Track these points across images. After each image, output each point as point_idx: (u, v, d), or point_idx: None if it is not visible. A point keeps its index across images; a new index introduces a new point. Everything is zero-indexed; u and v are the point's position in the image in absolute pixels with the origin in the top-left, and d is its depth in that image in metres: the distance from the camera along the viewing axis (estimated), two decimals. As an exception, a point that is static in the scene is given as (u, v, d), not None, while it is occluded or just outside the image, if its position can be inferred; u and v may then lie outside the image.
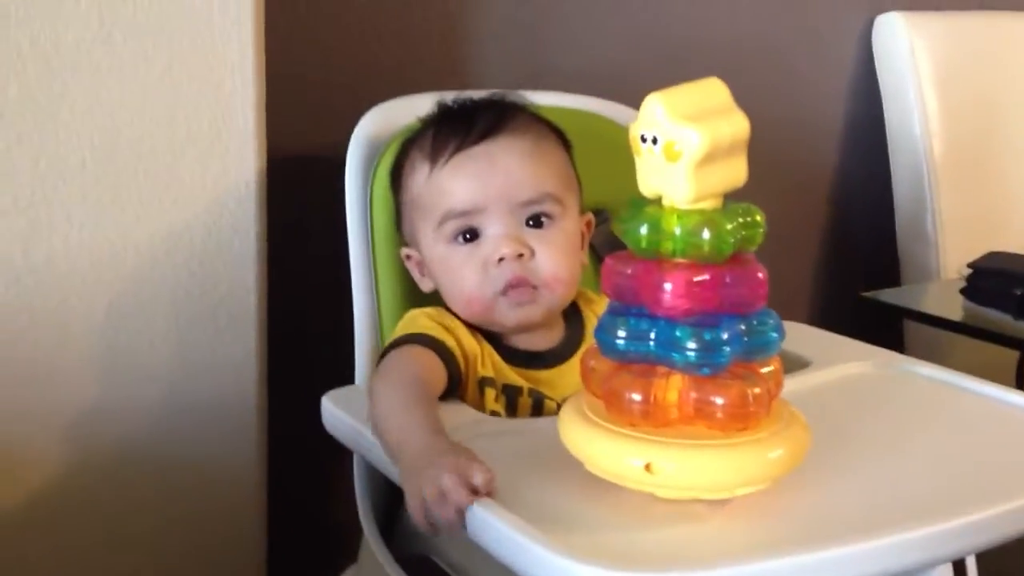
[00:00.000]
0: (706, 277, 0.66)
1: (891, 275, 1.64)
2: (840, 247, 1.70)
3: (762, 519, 0.70)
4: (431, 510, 0.71)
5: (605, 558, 0.63)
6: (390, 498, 1.03)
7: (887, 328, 1.55)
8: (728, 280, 0.67)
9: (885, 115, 1.64)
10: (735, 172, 0.68)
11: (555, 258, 0.94)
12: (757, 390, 0.67)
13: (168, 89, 1.01)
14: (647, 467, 0.67)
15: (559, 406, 0.93)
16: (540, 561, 0.65)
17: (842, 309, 1.63)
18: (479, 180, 0.94)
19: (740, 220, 0.68)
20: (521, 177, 0.94)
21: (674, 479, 0.67)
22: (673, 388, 0.68)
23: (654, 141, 0.67)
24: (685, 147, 0.65)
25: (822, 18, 1.62)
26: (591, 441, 0.70)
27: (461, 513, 0.70)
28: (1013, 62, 1.69)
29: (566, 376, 0.96)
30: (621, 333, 0.69)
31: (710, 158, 0.65)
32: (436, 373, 0.89)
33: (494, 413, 0.93)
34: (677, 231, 0.66)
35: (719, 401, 0.67)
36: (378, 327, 1.05)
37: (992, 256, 1.39)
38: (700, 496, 0.69)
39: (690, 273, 0.66)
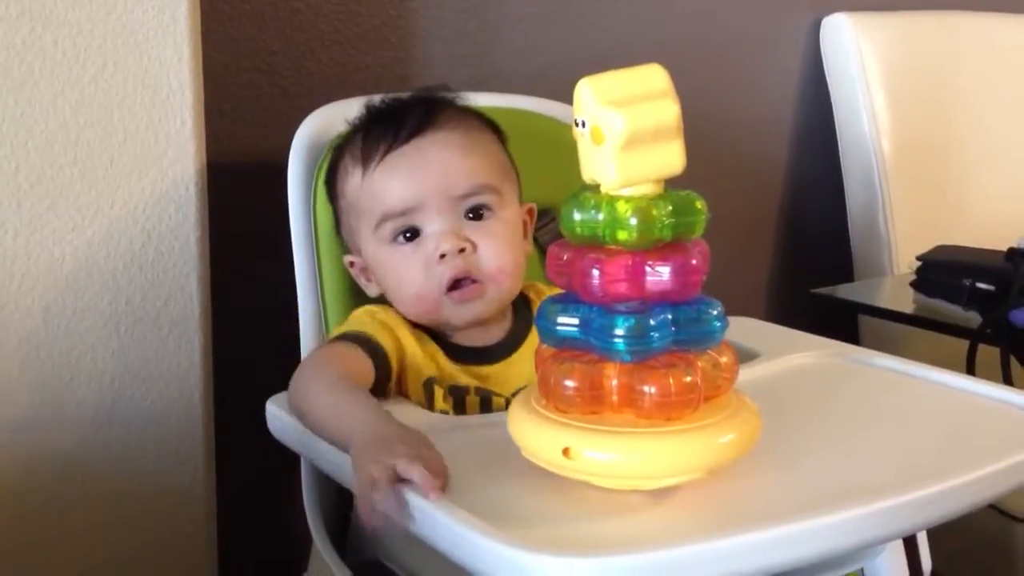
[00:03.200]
0: (629, 264, 0.65)
1: (845, 273, 1.65)
2: (794, 246, 1.70)
3: (707, 505, 0.69)
4: (378, 496, 0.69)
5: (528, 543, 0.63)
6: (340, 503, 1.02)
7: (842, 325, 1.56)
8: (652, 267, 0.66)
9: (834, 115, 1.65)
10: (668, 158, 0.67)
11: (498, 250, 0.94)
12: (688, 379, 0.66)
13: (102, 92, 1.00)
14: (565, 452, 0.67)
15: (507, 402, 0.93)
16: (468, 543, 0.65)
17: (798, 307, 1.63)
18: (413, 178, 0.93)
19: (671, 207, 0.66)
20: (456, 171, 0.93)
21: (593, 465, 0.67)
22: (605, 375, 0.67)
23: (583, 125, 0.67)
24: (607, 131, 0.65)
25: (769, 20, 1.63)
26: (520, 426, 0.70)
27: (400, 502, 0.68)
28: (960, 60, 1.71)
29: (513, 369, 0.96)
30: (556, 319, 0.68)
31: (634, 142, 0.64)
32: (359, 370, 0.87)
33: (443, 413, 0.92)
34: (600, 216, 0.66)
35: (644, 389, 0.66)
36: (324, 330, 1.04)
37: (940, 249, 1.40)
38: (628, 485, 0.68)
39: (616, 259, 0.66)
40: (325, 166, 1.04)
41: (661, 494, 0.69)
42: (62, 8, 0.97)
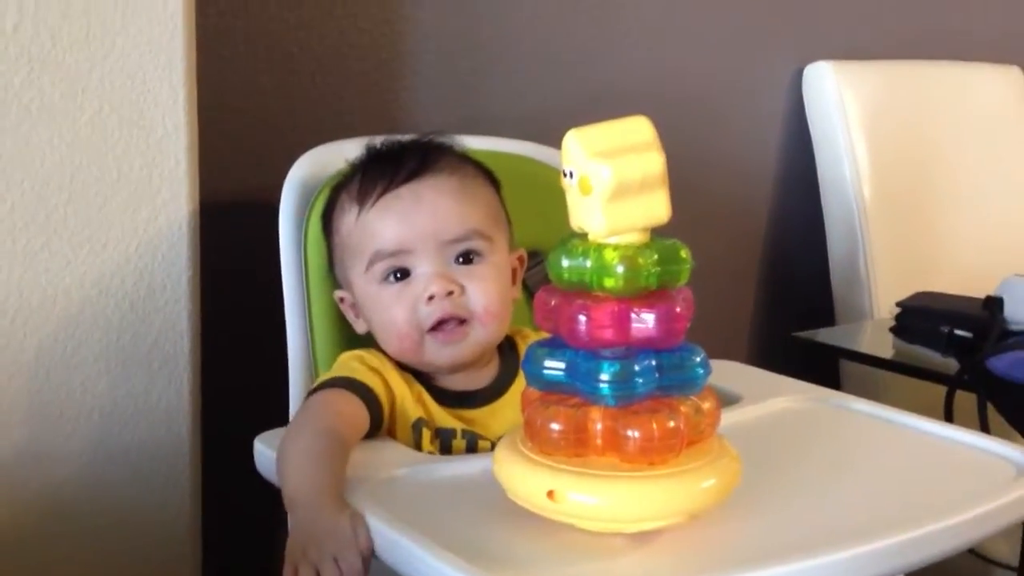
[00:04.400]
0: (615, 310, 0.67)
1: (827, 317, 1.67)
2: (777, 290, 1.72)
3: (688, 548, 0.71)
4: None
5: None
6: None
7: (823, 369, 1.57)
8: (638, 314, 0.67)
9: (816, 162, 1.67)
10: (653, 208, 0.69)
11: (486, 291, 0.95)
12: (671, 424, 0.67)
13: (98, 133, 1.01)
14: (549, 494, 0.68)
15: (494, 445, 0.94)
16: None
17: (779, 351, 1.65)
18: (406, 220, 0.95)
19: (657, 256, 0.68)
20: (448, 215, 0.95)
21: (577, 508, 0.68)
22: (590, 419, 0.69)
23: (571, 176, 0.69)
24: (595, 182, 0.66)
25: (752, 68, 1.66)
26: (506, 468, 0.71)
27: None
28: (939, 108, 1.74)
29: (500, 413, 0.97)
30: (543, 363, 0.70)
31: (621, 193, 0.66)
32: (355, 417, 0.89)
33: (430, 454, 0.93)
34: (588, 264, 0.68)
35: (628, 433, 0.67)
36: (312, 369, 1.05)
37: (919, 296, 1.42)
38: (611, 528, 0.70)
39: (602, 306, 0.67)
40: (317, 205, 1.05)
41: (643, 537, 0.70)
42: (60, 50, 0.98)
